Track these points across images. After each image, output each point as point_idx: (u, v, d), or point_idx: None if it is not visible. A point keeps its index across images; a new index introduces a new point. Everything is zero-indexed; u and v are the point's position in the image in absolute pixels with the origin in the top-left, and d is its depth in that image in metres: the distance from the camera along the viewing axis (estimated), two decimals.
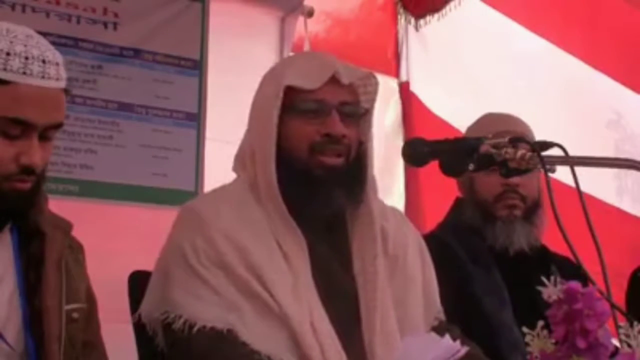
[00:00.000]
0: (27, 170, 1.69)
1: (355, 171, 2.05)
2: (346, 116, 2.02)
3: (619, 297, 2.69)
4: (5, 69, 1.66)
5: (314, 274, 1.97)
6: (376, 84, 2.09)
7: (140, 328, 2.00)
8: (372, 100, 2.10)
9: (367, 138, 2.10)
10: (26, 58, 1.68)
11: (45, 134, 1.71)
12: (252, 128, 2.07)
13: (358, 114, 2.07)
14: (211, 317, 1.87)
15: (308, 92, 2.00)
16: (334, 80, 2.01)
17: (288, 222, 1.98)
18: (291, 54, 3.88)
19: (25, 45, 1.69)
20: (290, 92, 2.00)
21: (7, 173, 1.68)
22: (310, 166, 2.00)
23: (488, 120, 2.69)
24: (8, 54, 1.67)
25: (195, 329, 1.86)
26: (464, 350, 1.76)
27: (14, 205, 1.72)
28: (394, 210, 2.27)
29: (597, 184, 4.45)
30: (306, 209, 1.99)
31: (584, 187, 1.67)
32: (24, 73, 1.67)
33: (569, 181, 1.72)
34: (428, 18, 4.30)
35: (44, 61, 1.70)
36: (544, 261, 2.65)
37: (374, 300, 1.99)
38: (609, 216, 4.62)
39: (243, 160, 2.08)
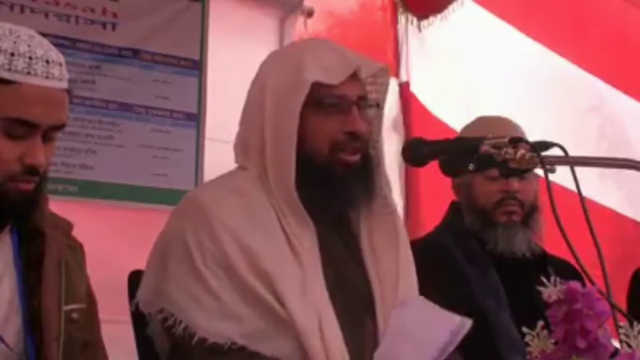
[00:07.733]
0: (32, 171, 1.68)
1: (369, 166, 2.01)
2: (362, 111, 1.97)
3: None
4: (9, 69, 1.65)
5: (324, 266, 1.94)
6: (388, 76, 2.05)
7: (137, 317, 1.98)
8: (384, 93, 2.05)
9: (379, 133, 2.06)
10: (30, 58, 1.67)
11: (48, 135, 1.71)
12: (261, 115, 1.98)
13: (372, 108, 2.02)
14: (212, 329, 1.83)
15: (329, 86, 1.94)
16: (353, 74, 1.97)
17: (302, 217, 1.93)
18: None
19: (29, 46, 1.68)
20: (311, 86, 1.93)
21: (11, 173, 1.67)
22: (331, 164, 1.95)
23: (481, 123, 2.69)
24: (12, 54, 1.66)
25: (195, 340, 1.83)
26: (469, 323, 1.77)
27: (16, 206, 1.71)
28: None
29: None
30: (323, 205, 1.95)
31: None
32: (28, 73, 1.66)
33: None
34: (431, 19, 4.29)
35: (47, 61, 1.69)
36: (542, 264, 2.65)
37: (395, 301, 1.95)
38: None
39: (246, 151, 2.01)
